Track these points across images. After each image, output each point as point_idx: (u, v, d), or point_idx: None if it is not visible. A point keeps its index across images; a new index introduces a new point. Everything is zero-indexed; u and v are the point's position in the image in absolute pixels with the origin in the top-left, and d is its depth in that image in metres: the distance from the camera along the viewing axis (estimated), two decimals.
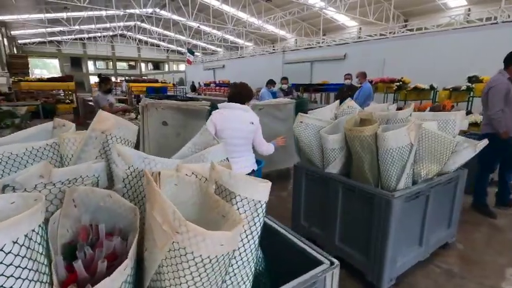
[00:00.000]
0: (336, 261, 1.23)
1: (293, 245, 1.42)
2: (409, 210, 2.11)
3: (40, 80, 14.60)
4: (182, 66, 33.74)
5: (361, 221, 2.16)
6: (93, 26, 26.80)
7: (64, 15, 23.37)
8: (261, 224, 0.97)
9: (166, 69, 40.47)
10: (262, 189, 0.93)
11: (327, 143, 2.29)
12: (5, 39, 24.50)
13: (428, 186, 2.18)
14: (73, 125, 1.36)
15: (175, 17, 23.87)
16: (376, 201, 2.01)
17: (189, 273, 0.74)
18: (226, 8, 21.03)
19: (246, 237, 0.92)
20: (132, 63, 39.38)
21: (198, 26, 25.19)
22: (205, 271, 0.75)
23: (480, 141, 2.35)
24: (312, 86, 10.19)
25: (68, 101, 14.11)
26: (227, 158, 1.43)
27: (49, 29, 27.10)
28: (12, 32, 28.30)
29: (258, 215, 0.93)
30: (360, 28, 20.68)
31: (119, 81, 21.26)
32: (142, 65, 39.91)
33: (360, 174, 2.18)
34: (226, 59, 23.41)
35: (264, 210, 0.95)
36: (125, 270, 0.74)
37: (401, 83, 9.12)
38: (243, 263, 0.95)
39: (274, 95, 5.86)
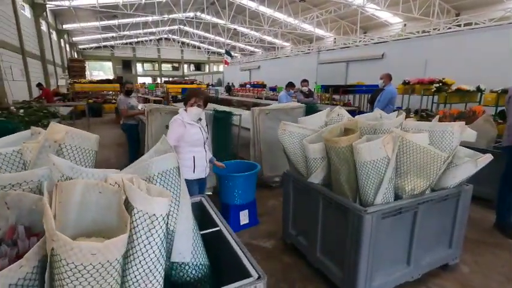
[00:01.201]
0: (264, 276, 1.23)
1: (234, 254, 1.45)
2: (390, 227, 1.98)
3: (91, 82, 16.13)
4: (222, 67, 34.70)
5: (338, 234, 2.08)
6: (140, 31, 28.90)
7: (116, 22, 25.47)
8: (162, 236, 1.01)
9: (207, 70, 41.93)
10: (158, 203, 0.98)
11: (308, 152, 2.25)
12: (67, 45, 27.52)
13: (415, 202, 2.02)
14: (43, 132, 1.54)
15: (214, 19, 24.69)
16: (350, 215, 1.93)
17: (67, 278, 0.82)
18: (262, 9, 21.17)
19: (144, 247, 0.98)
20: (176, 64, 41.53)
21: (235, 29, 25.69)
22: (83, 277, 0.82)
23: (483, 155, 2.12)
24: (342, 88, 9.79)
25: (113, 101, 15.39)
26: (177, 167, 1.49)
27: (103, 35, 29.77)
28: (74, 39, 31.63)
29: (154, 227, 0.98)
30: (405, 25, 19.40)
31: (139, 84, 22.90)
32: (185, 66, 41.88)
33: (338, 187, 2.10)
34: (261, 59, 23.54)
35: (162, 223, 1.00)
36: (20, 268, 0.85)
37: (441, 84, 8.39)
38: (145, 273, 1.00)
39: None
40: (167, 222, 1.05)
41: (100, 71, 38.99)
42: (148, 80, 36.85)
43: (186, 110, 2.52)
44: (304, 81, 6.17)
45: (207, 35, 30.04)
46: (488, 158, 2.10)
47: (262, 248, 2.88)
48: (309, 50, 19.05)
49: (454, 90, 8.19)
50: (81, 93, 14.84)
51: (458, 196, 2.28)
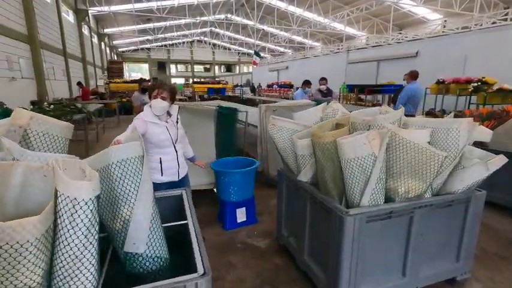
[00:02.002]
0: (209, 272, 1.17)
1: (190, 247, 1.39)
2: (380, 231, 1.80)
3: (125, 81, 17.04)
4: (251, 68, 34.95)
5: (324, 236, 1.94)
6: (174, 34, 30.02)
7: (151, 25, 26.72)
8: (88, 222, 0.98)
9: (237, 71, 42.47)
10: (79, 187, 0.95)
11: (296, 148, 2.13)
12: (107, 48, 29.41)
13: (409, 207, 1.81)
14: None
15: (244, 21, 24.92)
16: (332, 217, 1.78)
17: None
18: (292, 8, 20.95)
19: (67, 232, 0.96)
20: (207, 66, 42.58)
21: (263, 29, 25.71)
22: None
23: (496, 156, 1.85)
24: (368, 87, 9.33)
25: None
26: (140, 156, 1.46)
27: (140, 38, 31.39)
28: (114, 42, 33.73)
29: (76, 212, 0.96)
30: (445, 21, 18.08)
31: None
32: (216, 67, 42.79)
33: (323, 186, 1.96)
34: (289, 60, 23.30)
35: (86, 208, 0.96)
36: None
37: (479, 83, 7.67)
38: (71, 259, 0.98)
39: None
40: (96, 208, 1.02)
41: (138, 72, 41.09)
42: (181, 81, 38.22)
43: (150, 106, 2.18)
44: (323, 80, 5.96)
45: (237, 36, 30.43)
46: (501, 160, 1.82)
47: (255, 247, 2.79)
48: (338, 49, 18.48)
49: (495, 90, 7.44)
50: (117, 92, 15.71)
51: (467, 202, 2.01)
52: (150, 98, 2.16)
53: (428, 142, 1.85)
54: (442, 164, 1.79)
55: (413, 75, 4.95)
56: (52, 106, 5.79)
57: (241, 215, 3.12)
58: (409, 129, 1.97)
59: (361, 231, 1.71)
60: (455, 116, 2.40)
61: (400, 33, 16.58)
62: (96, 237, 1.06)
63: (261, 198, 3.80)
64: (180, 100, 11.94)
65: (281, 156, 2.43)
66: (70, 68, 14.38)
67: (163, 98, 2.13)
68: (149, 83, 5.23)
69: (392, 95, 7.23)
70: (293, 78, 20.04)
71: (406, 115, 2.24)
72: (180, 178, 2.35)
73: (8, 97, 7.49)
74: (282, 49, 32.15)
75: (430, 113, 8.86)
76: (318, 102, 4.26)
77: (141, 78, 5.67)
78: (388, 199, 1.86)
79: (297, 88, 17.06)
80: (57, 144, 1.57)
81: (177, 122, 2.29)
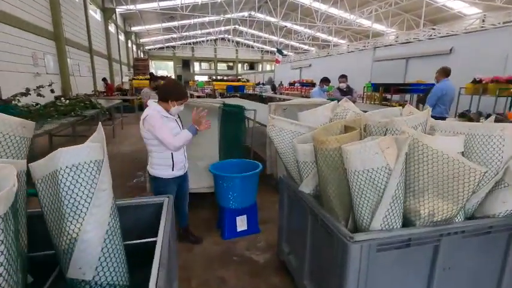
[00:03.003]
0: None
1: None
2: (396, 263, 1.44)
3: (147, 78, 17.33)
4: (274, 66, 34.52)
5: (326, 261, 1.61)
6: (198, 32, 30.29)
7: (176, 23, 27.09)
8: None
9: (260, 69, 42.23)
10: None
11: (297, 153, 1.81)
12: (134, 46, 30.24)
13: (434, 233, 1.44)
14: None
15: (268, 18, 24.58)
16: (335, 241, 1.45)
17: None
18: (316, 5, 20.30)
19: None
20: (231, 63, 42.70)
21: (287, 27, 25.20)
22: None
23: None
24: (394, 86, 8.68)
25: None
26: (97, 161, 1.23)
27: (166, 36, 32.00)
28: (141, 40, 34.66)
29: None
30: (485, 15, 16.68)
31: (192, 82, 23.87)
32: (239, 65, 42.80)
33: (326, 201, 1.62)
34: (313, 57, 22.67)
35: None
36: None
37: None
38: None
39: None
40: (9, 226, 0.78)
41: (164, 70, 42.08)
42: (204, 79, 38.69)
43: (161, 103, 2.21)
44: (342, 77, 5.52)
45: (260, 34, 30.15)
46: None
47: (253, 261, 2.50)
48: (364, 46, 17.65)
49: None
50: (139, 88, 16.00)
51: (511, 230, 1.60)
52: (173, 100, 2.18)
53: (462, 153, 1.47)
54: (480, 181, 1.40)
55: (445, 72, 4.42)
56: (67, 101, 5.82)
57: (241, 223, 2.84)
58: (436, 135, 1.58)
59: (370, 262, 1.36)
60: (497, 120, 1.96)
61: (433, 29, 15.50)
62: (12, 261, 0.83)
63: (268, 204, 3.51)
64: (199, 97, 11.88)
65: (282, 162, 2.11)
66: (95, 64, 14.80)
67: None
68: (158, 82, 5.09)
69: (421, 95, 6.62)
70: (316, 76, 19.43)
71: (435, 117, 1.85)
72: (185, 171, 2.44)
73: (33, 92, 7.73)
74: (305, 47, 31.43)
75: (464, 115, 8.08)
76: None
77: (152, 74, 5.56)
78: (406, 222, 1.50)
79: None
80: (10, 144, 1.37)
81: (179, 117, 2.39)
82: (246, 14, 26.43)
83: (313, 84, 17.73)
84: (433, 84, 5.23)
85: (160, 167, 2.23)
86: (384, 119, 1.72)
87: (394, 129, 1.56)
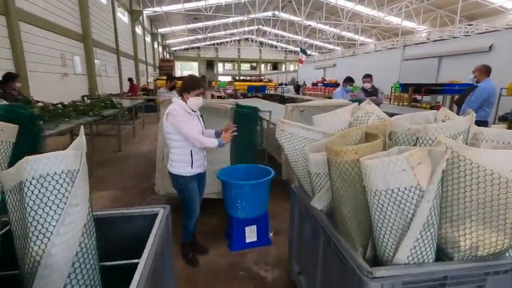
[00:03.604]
0: None
1: None
2: None
3: (163, 79, 17.65)
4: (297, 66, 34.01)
5: None
6: (222, 32, 30.51)
7: (200, 24, 27.44)
8: None
9: (283, 69, 41.86)
10: None
11: (309, 163, 1.57)
12: (160, 47, 31.05)
13: (478, 270, 1.15)
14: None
15: (292, 17, 24.21)
16: (349, 273, 1.19)
17: None
18: (342, 3, 19.65)
19: None
20: (254, 64, 42.71)
21: (311, 25, 24.67)
22: None
23: None
24: (425, 86, 8.06)
25: None
26: (74, 171, 1.09)
27: (191, 37, 32.56)
28: (168, 41, 35.55)
29: None
30: None
31: (215, 82, 24.08)
32: (262, 66, 42.70)
33: (341, 222, 1.37)
34: (337, 57, 21.99)
35: None
36: None
37: None
38: None
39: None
40: None
41: (189, 70, 43.00)
42: (228, 79, 39.04)
43: (182, 100, 2.21)
44: (367, 77, 5.14)
45: (284, 33, 29.79)
46: None
47: (260, 278, 2.28)
48: (392, 45, 16.82)
49: None
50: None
51: None
52: (185, 93, 2.18)
53: None
54: None
55: (487, 70, 3.95)
56: (89, 101, 5.92)
57: (250, 234, 2.63)
58: (482, 147, 1.28)
59: None
60: None
61: (470, 25, 14.40)
62: None
63: (282, 212, 3.27)
64: (219, 97, 11.85)
65: (293, 171, 1.88)
66: (122, 65, 15.26)
67: (203, 96, 2.23)
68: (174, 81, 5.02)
69: (457, 96, 6.05)
70: (340, 76, 18.80)
71: (478, 122, 1.53)
72: (204, 169, 2.40)
73: (61, 91, 8.03)
74: (330, 46, 30.65)
75: (505, 119, 7.33)
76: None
77: (169, 74, 5.51)
78: (441, 256, 1.21)
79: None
80: None
81: (201, 115, 2.35)
82: (269, 13, 26.21)
83: (337, 85, 17.16)
84: (471, 84, 4.71)
85: (179, 164, 2.21)
86: (415, 125, 1.44)
87: (427, 139, 1.28)
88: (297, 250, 2.02)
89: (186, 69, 42.43)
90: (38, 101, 4.56)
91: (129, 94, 12.66)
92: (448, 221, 1.18)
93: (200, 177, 2.39)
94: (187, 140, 2.12)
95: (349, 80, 5.10)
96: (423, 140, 1.30)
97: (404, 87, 8.73)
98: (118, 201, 3.76)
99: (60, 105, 4.70)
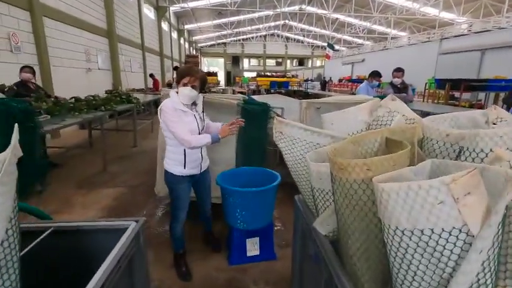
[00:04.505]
0: None
1: None
2: None
3: None
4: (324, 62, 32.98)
5: None
6: (247, 28, 30.24)
7: (226, 20, 27.34)
8: None
9: (310, 65, 40.86)
10: None
11: (311, 176, 1.22)
12: (186, 43, 31.43)
13: None
14: None
15: (319, 11, 23.35)
16: None
17: None
18: None
19: None
20: (280, 60, 42.12)
21: (337, 19, 23.63)
22: None
23: None
24: (465, 82, 7.22)
25: (213, 91, 16.47)
26: None
27: (217, 33, 32.63)
28: (194, 38, 35.95)
29: None
30: None
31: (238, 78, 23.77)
32: (288, 61, 41.98)
33: (346, 260, 1.01)
34: (366, 52, 20.88)
35: None
36: None
37: None
38: None
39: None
40: None
41: (216, 66, 43.43)
42: (253, 75, 38.84)
43: (177, 93, 2.01)
44: (398, 71, 4.59)
45: (311, 28, 28.90)
46: None
47: None
48: (428, 38, 15.58)
49: None
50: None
51: None
52: (178, 83, 1.99)
53: None
54: None
55: None
56: (105, 96, 5.89)
57: (252, 247, 2.32)
58: None
59: None
60: None
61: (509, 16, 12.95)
62: None
63: (292, 220, 2.92)
64: (240, 93, 11.59)
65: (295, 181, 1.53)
66: (147, 61, 15.48)
67: (193, 87, 1.96)
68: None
69: (506, 93, 5.29)
70: (369, 72, 17.85)
71: None
72: (201, 171, 2.20)
73: (85, 86, 8.18)
74: (359, 41, 29.29)
75: None
76: None
77: (177, 68, 5.31)
78: None
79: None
80: None
81: (202, 111, 2.14)
82: (296, 7, 25.48)
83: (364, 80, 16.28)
84: None
85: (172, 161, 2.08)
86: (457, 129, 1.04)
87: (476, 151, 0.89)
88: (299, 275, 1.68)
89: (212, 65, 42.85)
90: (50, 96, 4.53)
91: (152, 89, 12.80)
92: (509, 277, 0.78)
93: (198, 180, 2.23)
94: (177, 139, 1.95)
95: (375, 75, 4.58)
96: (470, 152, 0.91)
97: (440, 83, 7.91)
98: (119, 200, 3.61)
99: (73, 99, 4.66)
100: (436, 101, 8.71)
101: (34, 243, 1.28)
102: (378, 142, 1.14)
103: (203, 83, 2.03)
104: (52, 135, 6.79)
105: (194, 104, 2.08)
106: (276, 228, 2.91)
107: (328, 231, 1.23)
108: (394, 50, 17.76)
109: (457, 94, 8.51)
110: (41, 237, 1.33)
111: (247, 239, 2.30)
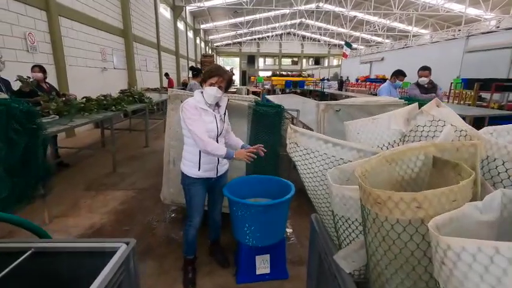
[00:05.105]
0: None
1: None
2: None
3: None
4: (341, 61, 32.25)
5: None
6: (264, 27, 29.97)
7: (242, 19, 27.20)
8: None
9: (326, 64, 40.13)
10: None
11: (332, 200, 0.98)
12: (202, 43, 31.55)
13: None
14: None
15: (337, 9, 22.78)
16: None
17: None
18: None
19: None
20: (295, 59, 41.62)
21: (355, 17, 22.95)
22: None
23: None
24: (497, 82, 6.68)
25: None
26: None
27: (233, 33, 32.58)
28: (210, 37, 36.06)
29: None
30: None
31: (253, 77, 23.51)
32: (304, 60, 41.40)
33: None
34: (386, 50, 20.16)
35: None
36: None
37: None
38: None
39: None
40: None
41: (232, 66, 43.41)
42: (268, 74, 38.58)
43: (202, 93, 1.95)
44: (425, 70, 4.23)
45: (328, 26, 28.30)
46: None
47: None
48: (453, 35, 14.80)
49: None
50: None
51: None
52: (204, 82, 1.92)
53: None
54: None
55: None
56: (117, 95, 5.83)
57: (262, 264, 2.11)
58: None
59: None
60: None
61: None
62: None
63: (308, 234, 2.69)
64: (254, 93, 11.36)
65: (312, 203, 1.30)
66: (163, 60, 15.54)
67: (220, 88, 1.91)
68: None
69: None
70: (389, 71, 17.19)
71: None
72: (218, 175, 2.09)
73: (100, 86, 8.22)
74: (378, 39, 28.42)
75: None
76: (413, 102, 2.80)
77: (193, 67, 5.18)
78: None
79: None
80: None
81: (224, 114, 2.05)
82: (313, 6, 24.98)
83: (384, 81, 15.64)
84: None
85: (187, 162, 2.02)
86: None
87: None
88: None
89: (228, 64, 42.89)
90: (63, 94, 4.49)
91: (166, 89, 12.81)
92: None
93: (213, 184, 2.12)
94: (193, 137, 1.86)
95: (399, 74, 4.24)
96: None
97: (468, 83, 7.38)
98: (127, 204, 3.48)
99: (84, 99, 4.59)
100: (462, 102, 8.17)
101: (12, 266, 1.13)
102: (421, 161, 0.89)
103: (229, 84, 1.98)
104: (67, 134, 6.83)
105: (217, 105, 2.01)
106: (288, 242, 2.68)
107: (354, 269, 1.00)
108: (415, 48, 17.01)
109: (484, 94, 7.95)
110: (20, 259, 1.17)
111: (256, 256, 2.08)
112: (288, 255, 2.37)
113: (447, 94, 9.26)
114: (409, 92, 4.34)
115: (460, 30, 15.33)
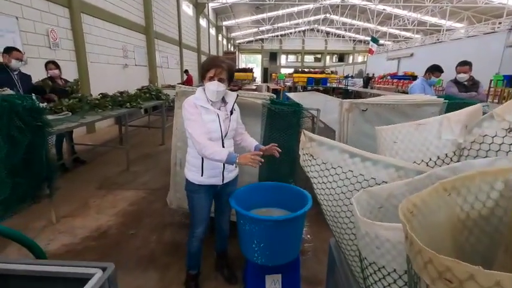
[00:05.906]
0: None
1: None
2: None
3: None
4: (366, 57, 31.04)
5: None
6: (287, 23, 29.44)
7: (264, 15, 26.86)
8: None
9: (351, 61, 38.87)
10: None
11: (358, 237, 0.70)
12: (224, 40, 31.56)
13: None
14: None
15: (363, 2, 21.84)
16: None
17: None
18: None
19: None
20: (318, 55, 40.68)
21: (383, 10, 21.84)
22: None
23: None
24: None
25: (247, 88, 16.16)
26: None
27: (255, 29, 32.30)
28: (232, 34, 36.03)
29: None
30: None
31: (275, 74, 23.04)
32: (327, 57, 40.36)
33: None
34: (415, 46, 19.05)
35: None
36: None
37: None
38: None
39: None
40: None
41: (254, 63, 43.28)
42: (291, 71, 37.99)
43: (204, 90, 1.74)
44: (464, 65, 3.75)
45: (354, 22, 27.26)
46: None
47: None
48: (492, 28, 13.63)
49: None
50: None
51: None
52: (204, 79, 1.71)
53: None
54: None
55: None
56: (133, 92, 5.78)
57: (273, 285, 1.85)
58: None
59: None
60: None
61: None
62: None
63: (326, 249, 2.41)
64: (274, 90, 11.01)
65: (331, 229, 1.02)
66: (184, 57, 15.59)
67: (221, 80, 1.67)
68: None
69: None
70: (419, 68, 16.19)
71: None
72: (224, 182, 1.85)
73: (122, 82, 8.28)
74: (407, 34, 27.00)
75: None
76: (453, 101, 2.42)
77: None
78: None
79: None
80: None
81: (231, 112, 1.79)
82: (338, 0, 24.13)
83: (414, 77, 14.70)
84: None
85: (190, 167, 1.82)
86: None
87: None
88: None
89: (250, 61, 42.79)
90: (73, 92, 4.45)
91: (186, 85, 12.77)
92: None
93: (220, 192, 1.90)
94: (191, 139, 1.68)
95: (435, 69, 3.78)
96: None
97: (510, 79, 6.66)
98: (136, 205, 3.35)
99: (100, 95, 4.54)
100: (503, 101, 7.43)
101: None
102: (498, 191, 0.59)
103: (231, 74, 1.73)
104: (88, 130, 6.91)
105: (224, 101, 1.79)
106: (304, 256, 2.40)
107: None
108: (448, 43, 15.89)
109: None
110: None
111: (266, 275, 1.83)
112: (303, 272, 2.09)
113: (486, 92, 8.49)
114: (446, 90, 3.88)
115: (500, 23, 14.09)
